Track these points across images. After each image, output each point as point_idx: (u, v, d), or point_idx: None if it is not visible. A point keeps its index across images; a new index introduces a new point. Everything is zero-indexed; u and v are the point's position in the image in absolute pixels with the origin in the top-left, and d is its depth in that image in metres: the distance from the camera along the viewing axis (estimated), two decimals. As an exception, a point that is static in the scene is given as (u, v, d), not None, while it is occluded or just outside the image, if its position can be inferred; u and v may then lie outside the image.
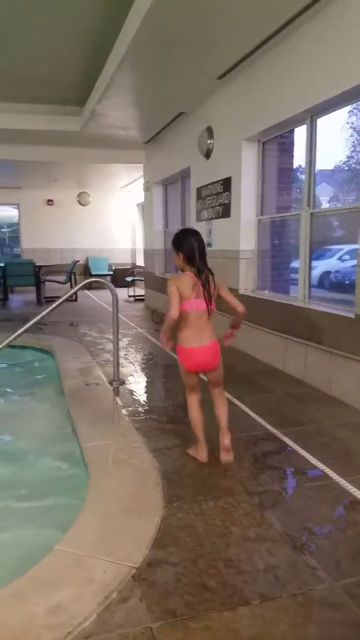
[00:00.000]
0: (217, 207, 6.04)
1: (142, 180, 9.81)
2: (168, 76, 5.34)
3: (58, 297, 4.21)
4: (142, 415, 3.55)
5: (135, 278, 11.16)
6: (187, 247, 2.72)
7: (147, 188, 9.30)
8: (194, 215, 6.87)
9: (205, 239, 6.63)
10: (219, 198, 5.96)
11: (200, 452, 2.81)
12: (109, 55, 5.21)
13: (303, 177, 4.66)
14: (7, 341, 4.13)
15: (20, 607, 1.67)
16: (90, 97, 6.52)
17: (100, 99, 5.99)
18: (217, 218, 6.05)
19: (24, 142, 8.46)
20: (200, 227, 6.64)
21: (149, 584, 1.78)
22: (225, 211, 5.82)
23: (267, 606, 1.69)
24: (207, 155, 6.22)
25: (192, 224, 6.99)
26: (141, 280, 10.67)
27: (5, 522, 2.46)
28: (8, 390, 4.76)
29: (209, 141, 6.13)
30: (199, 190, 6.64)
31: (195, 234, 2.78)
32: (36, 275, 10.29)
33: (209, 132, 6.14)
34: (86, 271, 13.21)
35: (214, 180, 6.08)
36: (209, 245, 6.36)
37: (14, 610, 1.66)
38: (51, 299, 10.27)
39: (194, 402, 2.87)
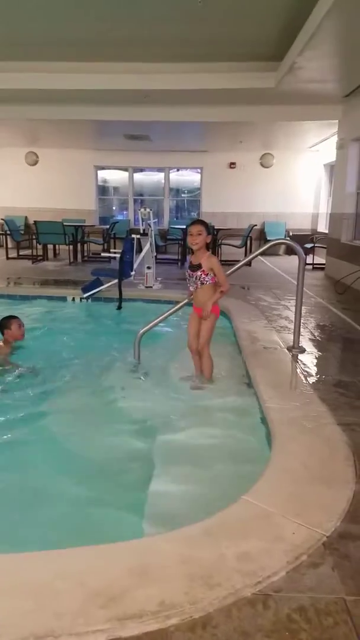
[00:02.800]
0: None
1: (333, 139, 9.16)
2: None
3: (233, 261, 4.22)
4: (326, 386, 3.39)
5: (315, 245, 10.67)
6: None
7: (341, 146, 8.68)
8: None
9: None
10: None
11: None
12: (312, 6, 4.88)
13: None
14: (185, 301, 4.29)
15: (211, 546, 1.74)
16: (290, 49, 6.21)
17: (302, 50, 5.66)
18: None
19: (214, 103, 8.51)
20: None
21: (341, 556, 1.70)
22: None
23: None
24: None
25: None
26: (322, 247, 10.17)
27: (190, 468, 2.61)
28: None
29: None
30: None
31: None
32: (214, 238, 10.52)
33: None
34: (262, 236, 13.08)
35: None
36: None
37: (206, 548, 1.74)
38: (226, 262, 10.45)
39: None
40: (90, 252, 11.39)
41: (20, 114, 9.08)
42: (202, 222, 3.62)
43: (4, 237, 11.57)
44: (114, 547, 1.83)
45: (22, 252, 10.99)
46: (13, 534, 2.11)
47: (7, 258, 10.65)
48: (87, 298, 6.73)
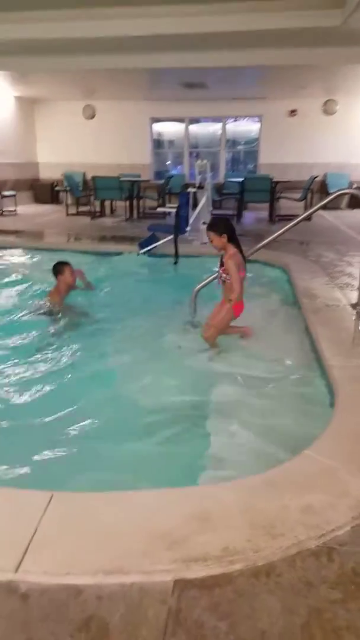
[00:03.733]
0: None
1: None
2: None
3: (292, 215, 4.04)
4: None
5: (380, 198, 10.05)
6: (230, 229, 3.52)
7: None
8: None
9: None
10: None
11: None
12: None
13: None
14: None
15: (274, 497, 1.75)
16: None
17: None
18: None
19: (274, 45, 7.97)
20: None
21: None
22: None
23: None
24: None
25: None
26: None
27: (248, 420, 2.61)
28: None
29: None
30: None
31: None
32: (272, 191, 10.14)
33: None
34: (323, 188, 12.45)
35: None
36: None
37: (268, 498, 1.74)
38: (284, 217, 10.08)
39: None
40: (145, 208, 11.34)
41: (73, 65, 8.90)
42: (211, 226, 3.58)
43: (64, 193, 11.70)
44: (175, 492, 1.88)
45: (81, 209, 11.10)
46: (72, 475, 2.20)
47: (67, 214, 10.81)
48: (143, 254, 6.75)
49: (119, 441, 2.51)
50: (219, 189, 11.66)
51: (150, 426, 2.62)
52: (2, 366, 3.39)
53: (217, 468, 2.22)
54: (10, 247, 7.40)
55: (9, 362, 3.44)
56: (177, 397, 2.95)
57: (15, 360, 3.47)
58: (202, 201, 7.18)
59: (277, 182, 10.25)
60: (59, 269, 4.49)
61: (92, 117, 13.41)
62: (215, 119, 13.66)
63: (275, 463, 2.01)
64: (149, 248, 6.76)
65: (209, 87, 10.92)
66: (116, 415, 2.77)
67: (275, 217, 10.28)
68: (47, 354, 3.61)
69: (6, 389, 3.07)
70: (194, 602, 1.37)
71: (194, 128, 14.05)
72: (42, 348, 3.72)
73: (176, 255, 6.54)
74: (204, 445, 2.39)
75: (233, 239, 3.54)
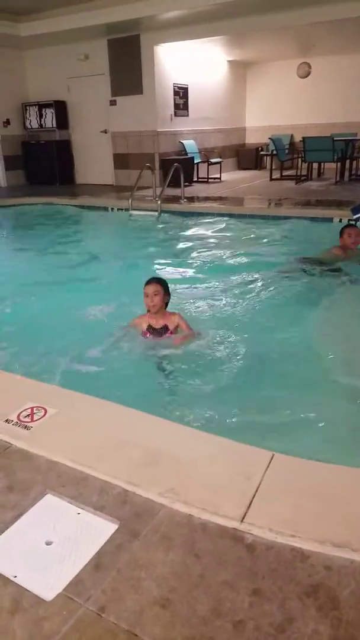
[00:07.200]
0: None
1: None
2: None
3: None
4: None
5: None
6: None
7: None
8: None
9: None
10: None
11: None
12: None
13: None
14: None
15: None
16: None
17: None
18: None
19: None
20: None
21: None
22: None
23: None
24: None
25: None
26: None
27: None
28: None
29: None
30: None
31: None
32: None
33: None
34: None
35: None
36: None
37: None
38: None
39: None
40: (359, 169, 10.49)
41: (292, 20, 8.44)
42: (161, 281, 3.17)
43: (268, 158, 11.53)
44: None
45: (285, 173, 10.83)
46: (289, 439, 2.18)
47: (271, 179, 10.65)
48: (356, 220, 6.24)
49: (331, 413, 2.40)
50: None
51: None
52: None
53: None
54: (216, 214, 7.55)
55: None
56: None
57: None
58: None
59: None
60: (342, 230, 5.02)
61: (307, 75, 12.73)
62: None
63: None
64: (363, 213, 6.22)
65: None
66: (323, 389, 2.65)
67: None
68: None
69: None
70: None
71: None
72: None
73: None
74: None
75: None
